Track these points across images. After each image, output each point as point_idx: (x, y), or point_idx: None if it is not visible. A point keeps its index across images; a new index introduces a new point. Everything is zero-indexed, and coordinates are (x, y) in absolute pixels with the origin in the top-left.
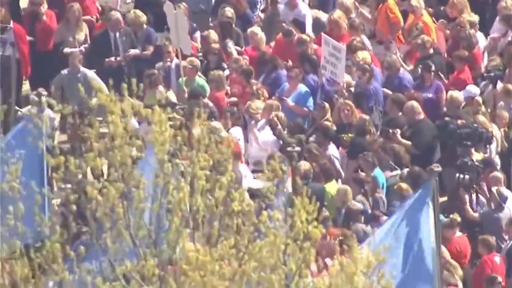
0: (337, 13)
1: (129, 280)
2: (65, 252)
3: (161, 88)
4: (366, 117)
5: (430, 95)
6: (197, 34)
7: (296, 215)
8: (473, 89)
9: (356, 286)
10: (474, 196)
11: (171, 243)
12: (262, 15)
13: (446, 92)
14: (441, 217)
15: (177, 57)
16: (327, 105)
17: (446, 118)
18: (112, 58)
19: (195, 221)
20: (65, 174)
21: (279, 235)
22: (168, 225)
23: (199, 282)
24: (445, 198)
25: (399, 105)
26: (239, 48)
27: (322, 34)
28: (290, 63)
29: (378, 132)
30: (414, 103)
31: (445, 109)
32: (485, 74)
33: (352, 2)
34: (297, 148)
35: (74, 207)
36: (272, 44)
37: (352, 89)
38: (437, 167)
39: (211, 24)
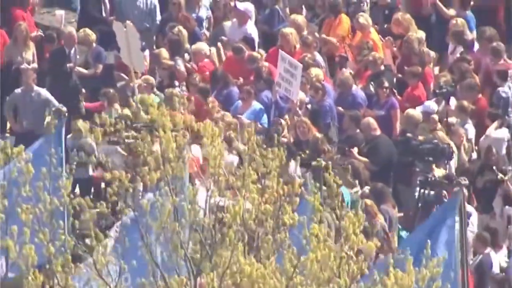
0: (288, 29)
1: None
2: None
3: (116, 106)
4: (319, 135)
5: (383, 113)
6: (146, 53)
7: (348, 227)
8: (431, 105)
9: None
10: None
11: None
12: (207, 33)
13: (400, 109)
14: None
15: (130, 75)
16: (283, 121)
17: (408, 134)
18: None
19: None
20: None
21: (332, 248)
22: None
23: None
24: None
25: (357, 122)
26: (189, 66)
27: (279, 50)
28: (241, 80)
29: (335, 149)
30: (371, 119)
31: (397, 126)
32: (437, 91)
33: (303, 19)
34: None
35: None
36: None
37: (309, 106)
38: (464, 180)
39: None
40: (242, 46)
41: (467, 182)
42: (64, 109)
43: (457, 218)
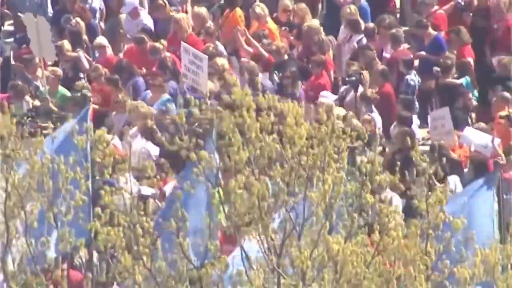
0: (180, 14)
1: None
2: None
3: (27, 98)
4: None
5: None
6: None
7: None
8: (329, 95)
9: (498, 277)
10: None
11: (314, 236)
12: (103, 25)
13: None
14: None
15: (40, 67)
16: (197, 113)
17: None
18: None
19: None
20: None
21: (418, 225)
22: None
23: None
24: None
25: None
26: (89, 58)
27: (182, 42)
28: (144, 70)
29: None
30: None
31: None
32: (346, 79)
33: (205, 10)
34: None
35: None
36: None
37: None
38: (501, 160)
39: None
40: (143, 36)
41: (504, 161)
42: (89, 94)
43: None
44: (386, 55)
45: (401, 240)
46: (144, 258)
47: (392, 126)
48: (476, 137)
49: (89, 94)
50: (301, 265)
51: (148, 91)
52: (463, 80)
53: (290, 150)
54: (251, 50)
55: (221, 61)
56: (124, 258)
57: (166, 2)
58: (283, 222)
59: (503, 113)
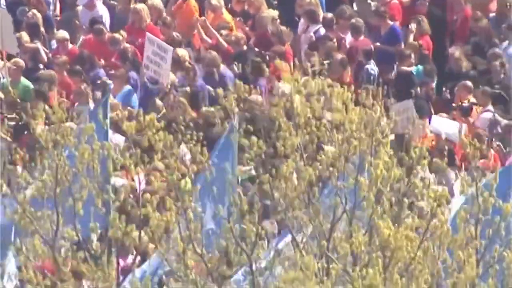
0: (140, 5)
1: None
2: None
3: None
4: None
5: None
6: None
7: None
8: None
9: None
10: None
11: (365, 220)
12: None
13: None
14: None
15: (2, 59)
16: (160, 103)
17: None
18: None
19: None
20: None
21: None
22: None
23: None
24: None
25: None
26: (46, 50)
27: (147, 33)
28: (102, 61)
29: None
30: (259, 97)
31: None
32: (311, 69)
33: (160, 1)
34: None
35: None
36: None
37: (187, 88)
38: None
39: None
40: (102, 27)
41: None
42: (109, 81)
43: None
44: (347, 45)
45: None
46: (195, 243)
47: None
48: (445, 126)
49: (109, 81)
50: (355, 250)
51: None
52: (413, 69)
53: (340, 135)
54: (209, 40)
55: (182, 52)
56: (178, 244)
57: None
58: (333, 207)
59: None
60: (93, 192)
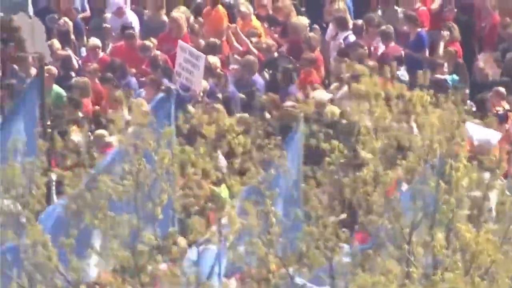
0: (178, 13)
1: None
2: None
3: None
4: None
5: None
6: None
7: None
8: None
9: None
10: None
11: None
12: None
13: None
14: None
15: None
16: (193, 110)
17: None
18: None
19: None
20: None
21: None
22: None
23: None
24: None
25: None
26: (77, 57)
27: (179, 41)
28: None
29: None
30: None
31: None
32: (341, 76)
33: (186, 9)
34: None
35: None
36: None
37: (219, 95)
38: None
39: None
40: (132, 32)
41: None
42: (174, 86)
43: None
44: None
45: None
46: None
47: None
48: (478, 132)
49: (173, 87)
50: (436, 254)
51: (142, 90)
52: (448, 77)
53: (421, 138)
54: (240, 47)
55: (213, 59)
56: (258, 247)
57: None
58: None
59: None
60: (172, 197)
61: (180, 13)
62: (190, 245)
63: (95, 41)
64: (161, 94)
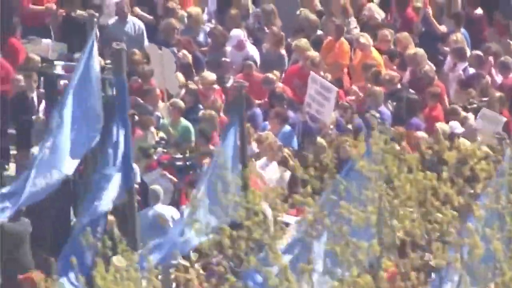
0: (303, 41)
1: None
2: None
3: (152, 129)
4: None
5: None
6: None
7: None
8: (457, 126)
9: None
10: None
11: None
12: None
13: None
14: None
15: (163, 99)
16: (323, 141)
17: None
18: None
19: None
20: None
21: None
22: None
23: None
24: None
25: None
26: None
27: (311, 72)
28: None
29: None
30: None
31: None
32: (468, 106)
33: (306, 41)
34: None
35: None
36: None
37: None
38: None
39: None
40: (252, 63)
41: None
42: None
43: None
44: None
45: None
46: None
47: None
48: None
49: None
50: None
51: (266, 122)
52: None
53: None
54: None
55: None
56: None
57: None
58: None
59: None
60: None
61: (303, 39)
62: None
63: (211, 76)
64: (287, 127)
